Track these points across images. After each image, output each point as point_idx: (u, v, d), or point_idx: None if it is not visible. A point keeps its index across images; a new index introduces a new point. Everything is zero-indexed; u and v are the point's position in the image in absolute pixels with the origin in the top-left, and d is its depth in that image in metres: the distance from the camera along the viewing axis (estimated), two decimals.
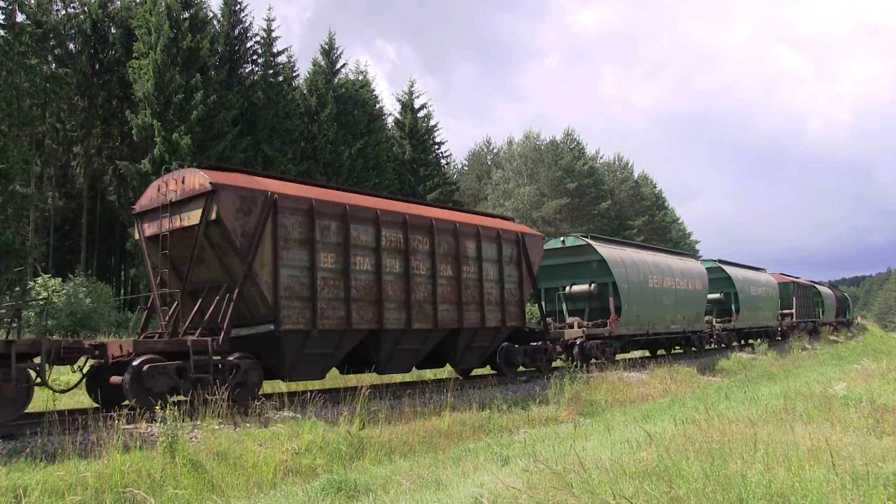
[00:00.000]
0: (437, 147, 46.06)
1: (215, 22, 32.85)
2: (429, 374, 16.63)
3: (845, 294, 62.78)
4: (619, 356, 20.44)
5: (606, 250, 20.19)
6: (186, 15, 29.55)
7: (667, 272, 22.39)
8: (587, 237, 20.62)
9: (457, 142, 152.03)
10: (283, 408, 10.40)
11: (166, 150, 26.87)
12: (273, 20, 35.30)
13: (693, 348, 25.04)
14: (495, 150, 72.10)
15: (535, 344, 16.50)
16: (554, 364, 17.94)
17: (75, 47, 30.66)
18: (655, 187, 73.21)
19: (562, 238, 20.87)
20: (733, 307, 28.98)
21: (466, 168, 71.37)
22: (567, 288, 20.74)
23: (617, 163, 72.57)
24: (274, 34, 34.75)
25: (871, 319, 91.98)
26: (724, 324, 28.20)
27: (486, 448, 9.09)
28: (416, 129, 44.11)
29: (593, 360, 18.41)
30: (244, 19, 34.15)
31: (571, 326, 19.35)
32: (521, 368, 16.54)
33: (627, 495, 4.72)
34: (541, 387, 15.02)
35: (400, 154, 42.52)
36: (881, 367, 14.33)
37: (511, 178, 57.09)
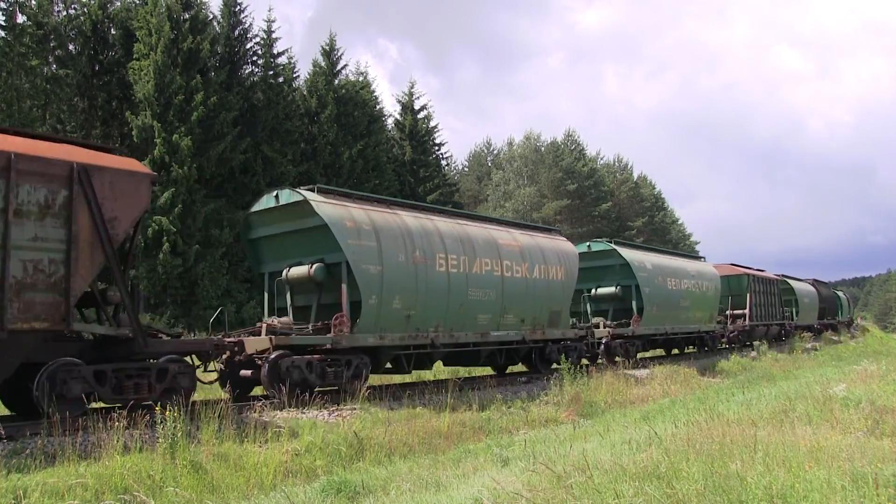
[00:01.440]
0: (437, 148, 46.09)
1: (215, 23, 32.88)
2: (428, 374, 16.64)
3: (837, 292, 54.26)
4: (379, 379, 14.24)
5: (336, 210, 12.46)
6: (187, 16, 29.56)
7: (483, 250, 14.96)
8: (312, 189, 13.03)
9: (459, 142, 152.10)
10: (283, 408, 10.39)
11: (166, 152, 26.88)
12: (273, 21, 35.34)
13: (550, 364, 17.45)
14: (496, 151, 72.17)
15: (167, 360, 10.09)
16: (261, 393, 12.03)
17: (75, 48, 30.65)
18: (654, 188, 73.30)
19: (275, 192, 13.23)
20: (634, 305, 21.20)
21: (467, 169, 71.40)
22: (286, 272, 13.15)
23: (617, 164, 72.66)
24: (274, 35, 34.79)
25: (871, 320, 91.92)
26: (620, 329, 20.55)
27: (486, 449, 9.10)
28: (417, 130, 44.14)
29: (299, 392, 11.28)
30: (244, 20, 34.18)
31: (260, 333, 12.18)
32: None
33: (628, 496, 4.72)
34: (540, 388, 15.03)
35: (400, 155, 42.54)
36: (881, 368, 14.33)
37: (511, 180, 57.12)
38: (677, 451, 6.11)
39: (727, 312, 29.38)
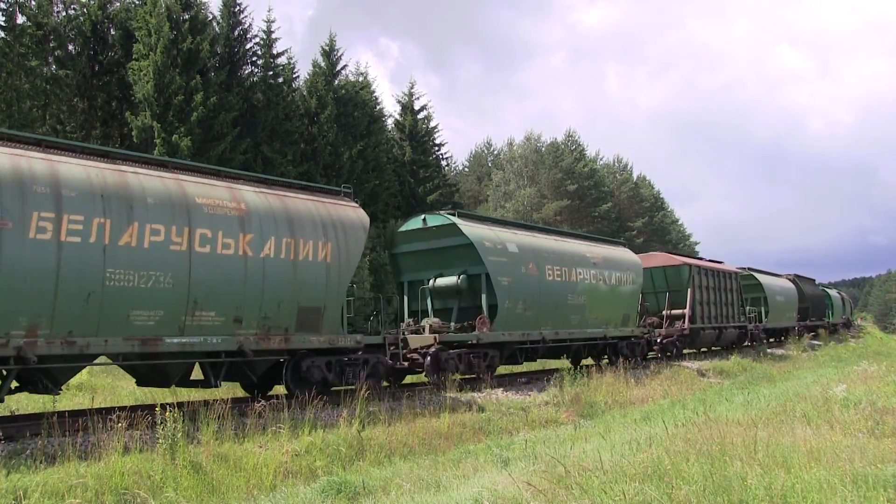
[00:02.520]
0: (437, 149, 46.13)
1: (215, 23, 32.88)
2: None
3: (827, 290, 48.47)
4: None
5: None
6: (186, 17, 29.56)
7: (152, 213, 10.04)
8: None
9: (461, 141, 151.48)
10: (282, 409, 10.38)
11: (166, 152, 26.86)
12: (273, 21, 35.36)
13: (311, 384, 11.61)
14: (496, 152, 72.21)
15: None
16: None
17: (75, 49, 30.66)
18: (654, 188, 73.37)
19: None
20: (484, 302, 15.53)
21: (467, 169, 71.44)
22: None
23: (617, 164, 72.71)
24: (274, 35, 34.81)
25: (871, 321, 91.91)
26: (460, 335, 14.98)
27: (486, 450, 9.10)
28: (416, 130, 44.15)
29: None
30: (244, 21, 34.18)
31: None
32: None
33: (629, 497, 4.72)
34: (540, 388, 15.03)
35: (400, 156, 42.55)
36: (881, 368, 14.33)
37: (511, 180, 57.12)
38: (678, 452, 6.11)
39: (664, 312, 23.93)
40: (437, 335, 14.37)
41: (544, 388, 15.00)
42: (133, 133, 27.91)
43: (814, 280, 45.97)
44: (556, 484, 5.30)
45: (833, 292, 50.46)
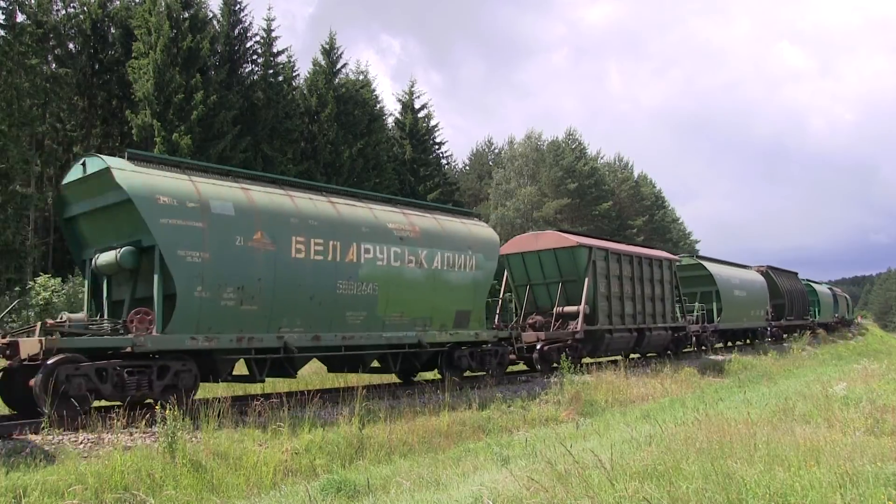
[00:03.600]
0: (437, 147, 46.17)
1: (215, 22, 32.89)
2: (428, 374, 16.64)
3: (813, 285, 41.77)
4: None
5: None
6: (186, 15, 29.57)
7: None
8: None
9: (462, 139, 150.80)
10: (282, 407, 10.37)
11: (166, 150, 26.88)
12: (273, 20, 35.40)
13: None
14: (497, 150, 72.20)
15: None
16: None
17: (75, 47, 30.68)
18: (655, 187, 73.35)
19: None
20: (157, 288, 9.95)
21: (468, 168, 71.43)
22: None
23: (617, 162, 72.66)
24: (274, 33, 34.85)
25: (871, 319, 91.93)
26: (105, 337, 9.44)
27: (486, 448, 9.10)
28: (417, 129, 44.17)
29: None
30: (244, 19, 34.21)
31: None
32: None
33: (628, 495, 4.72)
34: (541, 386, 15.03)
35: (400, 154, 42.57)
36: (881, 367, 14.33)
37: (512, 178, 57.12)
38: (677, 450, 6.11)
39: (555, 310, 18.45)
40: (44, 339, 8.82)
41: (545, 386, 14.98)
42: (133, 131, 27.92)
43: (796, 273, 39.44)
44: (556, 482, 5.29)
45: (822, 288, 44.16)
